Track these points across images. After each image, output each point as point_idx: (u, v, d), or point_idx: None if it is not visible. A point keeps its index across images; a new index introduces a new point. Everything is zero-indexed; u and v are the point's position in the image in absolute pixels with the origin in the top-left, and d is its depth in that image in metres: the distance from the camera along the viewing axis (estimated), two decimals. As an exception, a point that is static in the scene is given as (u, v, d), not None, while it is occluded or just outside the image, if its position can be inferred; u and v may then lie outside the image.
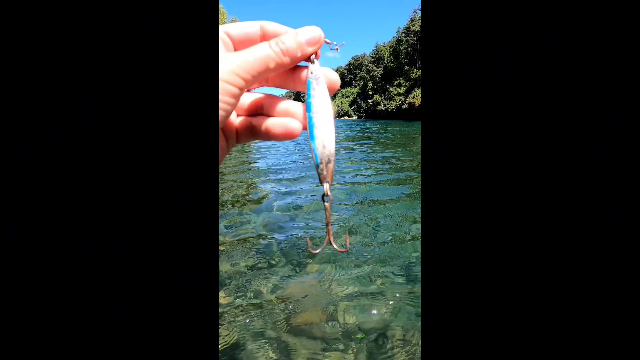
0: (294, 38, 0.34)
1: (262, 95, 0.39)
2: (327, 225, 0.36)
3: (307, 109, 0.35)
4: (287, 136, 0.36)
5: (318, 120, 0.35)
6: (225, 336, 1.86)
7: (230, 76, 0.32)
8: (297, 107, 0.37)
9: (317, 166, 0.35)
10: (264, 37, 0.37)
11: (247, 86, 0.33)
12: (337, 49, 0.38)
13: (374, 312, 2.05)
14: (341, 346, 1.78)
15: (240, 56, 0.33)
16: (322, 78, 0.36)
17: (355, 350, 1.77)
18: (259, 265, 2.57)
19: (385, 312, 2.05)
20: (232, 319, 1.98)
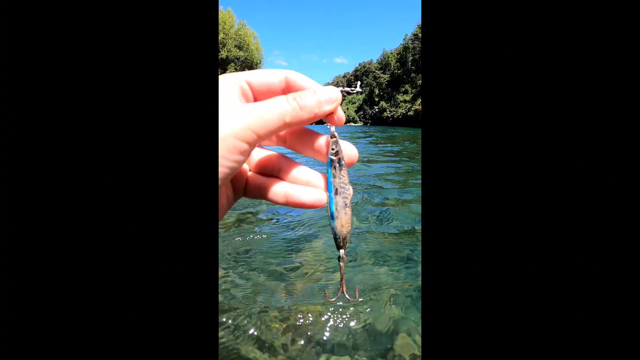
0: (313, 95, 0.34)
1: (276, 154, 0.39)
2: (341, 280, 0.40)
3: (328, 188, 0.36)
4: (312, 206, 0.36)
5: (339, 201, 0.36)
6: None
7: (244, 132, 0.30)
8: (317, 178, 0.37)
9: (336, 240, 0.37)
10: (288, 89, 0.36)
11: (260, 141, 0.32)
12: (359, 91, 0.38)
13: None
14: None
15: (257, 109, 0.31)
16: (342, 155, 0.36)
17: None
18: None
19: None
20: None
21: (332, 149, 0.36)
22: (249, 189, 0.38)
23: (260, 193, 0.37)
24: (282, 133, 0.38)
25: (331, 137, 0.36)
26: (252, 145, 0.31)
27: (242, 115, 0.31)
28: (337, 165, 0.36)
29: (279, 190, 0.37)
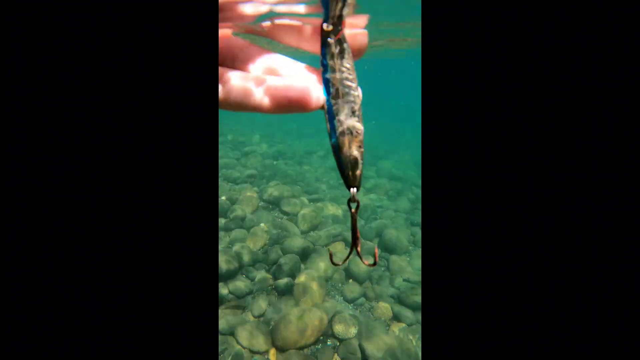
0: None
1: (235, 37, 0.28)
2: (353, 236, 0.28)
3: (324, 89, 0.24)
4: (300, 105, 0.23)
5: (342, 108, 0.24)
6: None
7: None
8: (302, 70, 0.25)
9: (342, 170, 0.25)
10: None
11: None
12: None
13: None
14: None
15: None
16: (344, 34, 0.24)
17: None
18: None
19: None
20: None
21: (327, 26, 0.23)
22: None
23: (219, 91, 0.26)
24: None
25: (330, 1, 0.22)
26: None
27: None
28: (337, 51, 0.23)
29: (238, 83, 0.24)
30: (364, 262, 0.29)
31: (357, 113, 0.24)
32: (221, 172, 4.93)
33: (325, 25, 0.23)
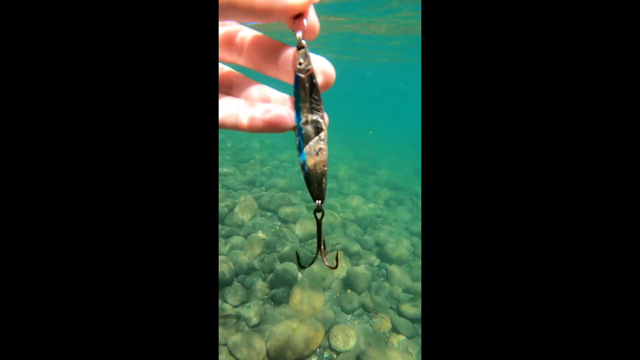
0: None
1: (227, 69, 0.32)
2: (318, 242, 0.32)
3: (296, 115, 0.29)
4: (274, 126, 0.28)
5: (310, 133, 0.29)
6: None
7: None
8: (282, 99, 0.30)
9: (309, 185, 0.30)
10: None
11: None
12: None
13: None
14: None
15: None
16: (313, 71, 0.28)
17: None
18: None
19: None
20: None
21: (300, 64, 0.28)
22: None
23: None
24: (235, 42, 0.30)
25: (298, 48, 0.27)
26: None
27: None
28: (307, 85, 0.28)
29: (228, 106, 0.29)
30: (326, 265, 0.33)
31: (322, 137, 0.29)
32: (219, 179, 4.93)
33: (297, 65, 0.28)
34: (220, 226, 3.66)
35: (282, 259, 3.21)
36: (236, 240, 3.43)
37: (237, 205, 3.96)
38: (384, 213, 4.87)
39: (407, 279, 3.31)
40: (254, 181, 4.95)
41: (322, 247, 0.32)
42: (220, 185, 4.77)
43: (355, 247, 3.63)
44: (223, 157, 5.79)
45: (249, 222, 3.76)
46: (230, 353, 2.35)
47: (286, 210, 4.01)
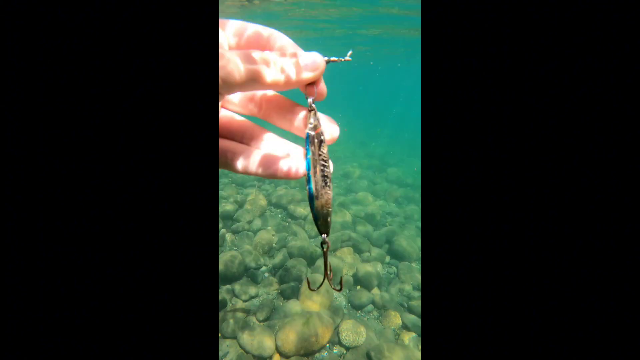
0: (292, 58, 0.31)
1: (247, 120, 0.36)
2: (325, 268, 0.37)
3: (307, 166, 0.34)
4: (289, 174, 0.33)
5: (318, 180, 0.34)
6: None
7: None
8: (294, 149, 0.35)
9: (316, 221, 0.35)
10: (267, 48, 0.33)
11: (226, 93, 0.30)
12: (348, 59, 0.35)
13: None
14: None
15: (226, 56, 0.29)
16: (321, 131, 0.34)
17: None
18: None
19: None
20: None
21: (311, 124, 0.33)
22: None
23: (225, 158, 0.34)
24: (255, 98, 0.35)
25: (309, 110, 0.33)
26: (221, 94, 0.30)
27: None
28: (316, 141, 0.33)
29: (249, 156, 0.33)
30: (333, 288, 0.39)
31: (328, 182, 0.34)
32: (229, 175, 4.97)
33: (308, 123, 0.33)
34: (230, 222, 3.70)
35: (291, 255, 3.23)
36: (246, 235, 3.46)
37: (246, 201, 3.99)
38: (394, 210, 4.84)
39: (417, 275, 3.29)
40: (262, 178, 4.98)
41: (329, 271, 0.37)
42: (229, 181, 4.81)
43: (365, 244, 3.62)
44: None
45: (258, 218, 3.78)
46: (241, 346, 2.38)
47: (296, 207, 4.02)
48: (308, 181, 0.34)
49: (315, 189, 0.34)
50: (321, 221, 0.35)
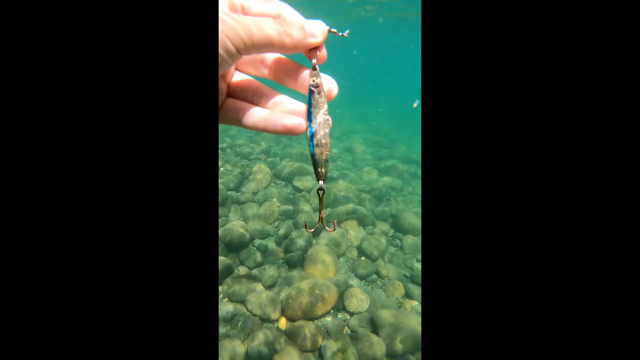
0: (299, 25, 0.34)
1: (257, 81, 0.40)
2: (320, 211, 0.41)
3: (309, 117, 0.38)
4: (292, 130, 0.37)
5: (318, 130, 0.38)
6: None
7: (234, 34, 0.31)
8: (298, 106, 0.39)
9: (315, 168, 0.40)
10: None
11: (245, 53, 0.33)
12: (345, 35, 0.39)
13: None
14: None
15: (247, 21, 0.32)
16: (322, 87, 0.38)
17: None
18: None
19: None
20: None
21: (313, 81, 0.38)
22: (226, 111, 0.39)
23: (237, 116, 0.38)
24: (265, 60, 0.39)
25: (312, 70, 0.38)
26: (238, 52, 0.32)
27: (234, 20, 0.32)
28: (317, 96, 0.38)
29: (258, 114, 0.38)
30: (326, 229, 0.43)
31: (327, 133, 0.39)
32: (233, 148, 4.96)
33: (311, 81, 0.38)
34: (236, 193, 3.73)
35: (296, 225, 3.27)
36: (252, 206, 3.50)
37: (251, 173, 4.00)
38: (399, 185, 4.84)
39: (420, 249, 3.33)
40: (268, 151, 4.98)
41: (321, 216, 0.42)
42: (234, 154, 4.81)
43: (370, 218, 3.65)
44: (240, 129, 5.80)
45: (264, 190, 3.81)
46: (248, 309, 2.46)
47: (300, 179, 4.03)
48: (309, 129, 0.38)
49: (316, 136, 0.38)
50: (319, 168, 0.39)
